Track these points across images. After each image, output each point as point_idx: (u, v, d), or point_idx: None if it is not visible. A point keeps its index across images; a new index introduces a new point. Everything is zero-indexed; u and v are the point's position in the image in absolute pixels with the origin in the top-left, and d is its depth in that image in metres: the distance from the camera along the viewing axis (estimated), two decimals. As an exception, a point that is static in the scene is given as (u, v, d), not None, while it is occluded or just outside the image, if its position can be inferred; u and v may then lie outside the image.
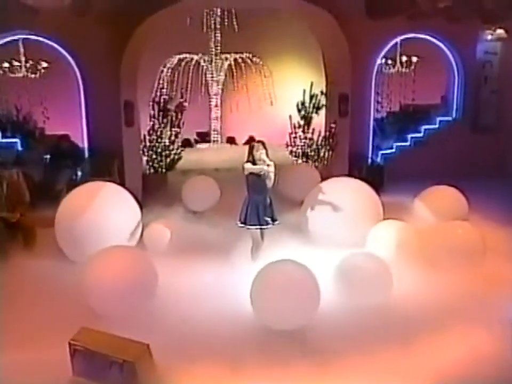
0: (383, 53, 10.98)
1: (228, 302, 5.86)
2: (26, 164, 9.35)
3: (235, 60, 13.16)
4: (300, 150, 10.54)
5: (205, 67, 13.21)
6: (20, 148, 9.86)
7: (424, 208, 8.45)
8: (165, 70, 12.76)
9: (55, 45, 9.63)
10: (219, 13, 12.79)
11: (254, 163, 6.73)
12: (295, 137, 10.64)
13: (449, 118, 11.74)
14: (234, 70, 13.14)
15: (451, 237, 7.14)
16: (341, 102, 10.35)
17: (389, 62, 11.57)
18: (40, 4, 7.90)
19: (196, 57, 12.89)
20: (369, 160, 10.96)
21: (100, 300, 5.66)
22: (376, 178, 10.40)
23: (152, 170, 10.28)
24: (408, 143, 11.64)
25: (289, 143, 10.72)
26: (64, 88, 10.09)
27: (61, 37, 9.45)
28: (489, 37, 11.33)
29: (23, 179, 8.57)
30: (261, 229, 6.90)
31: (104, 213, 7.12)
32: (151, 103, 10.30)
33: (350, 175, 9.50)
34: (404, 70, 11.69)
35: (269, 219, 6.88)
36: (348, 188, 7.92)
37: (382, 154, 11.46)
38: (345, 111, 10.42)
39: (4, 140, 9.87)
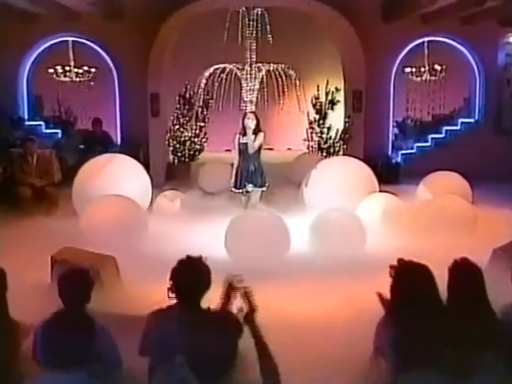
0: (401, 55, 11.30)
1: (211, 247, 6.33)
2: (63, 150, 10.31)
3: (268, 71, 13.64)
4: (316, 145, 10.93)
5: (239, 75, 13.79)
6: (60, 137, 10.89)
7: (426, 191, 8.63)
8: (203, 80, 13.45)
9: (93, 45, 10.68)
10: (254, 23, 13.36)
11: (244, 131, 7.37)
12: (312, 132, 11.06)
13: (471, 120, 11.80)
14: (269, 80, 13.61)
15: (437, 207, 7.34)
16: (354, 98, 10.76)
17: (413, 70, 11.64)
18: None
19: (229, 66, 13.47)
20: (389, 159, 11.18)
21: (94, 235, 6.27)
22: (392, 174, 10.67)
23: (176, 160, 10.96)
24: (428, 144, 11.75)
25: (306, 138, 11.14)
26: (102, 87, 11.12)
27: (98, 38, 10.51)
28: (511, 40, 11.42)
29: (56, 159, 9.50)
30: (243, 192, 7.45)
31: (114, 180, 7.82)
32: (177, 98, 11.02)
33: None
34: (432, 78, 11.76)
35: (249, 184, 7.40)
36: (344, 165, 8.30)
37: (402, 154, 11.64)
38: (359, 107, 10.82)
39: (47, 131, 10.95)
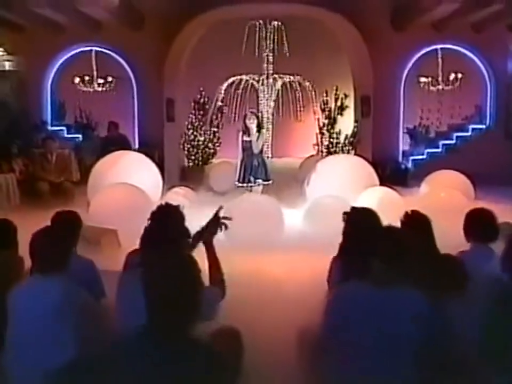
0: (411, 62, 11.68)
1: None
2: (83, 152, 11.02)
3: (284, 84, 14.08)
4: (325, 149, 11.38)
5: (256, 86, 14.34)
6: (80, 140, 11.64)
7: (428, 188, 8.98)
8: (222, 91, 14.05)
9: (113, 54, 11.45)
10: (271, 35, 13.94)
11: (247, 131, 7.94)
12: (322, 137, 11.55)
13: (482, 126, 12.06)
14: (284, 92, 14.10)
15: (432, 198, 7.69)
16: (363, 103, 11.21)
17: (429, 80, 11.81)
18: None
19: (245, 77, 14.00)
20: (398, 164, 11.53)
21: (100, 217, 6.83)
22: (400, 178, 11.00)
23: (190, 163, 11.58)
24: (439, 150, 12.04)
25: (316, 143, 11.63)
26: (122, 94, 11.78)
27: (118, 47, 11.29)
28: (521, 46, 11.68)
29: (75, 159, 10.20)
30: (247, 185, 7.96)
31: (126, 173, 8.41)
32: (192, 103, 11.66)
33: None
34: (446, 87, 11.88)
35: (252, 178, 7.92)
36: (344, 162, 8.75)
37: (413, 160, 11.96)
38: (367, 112, 11.27)
39: (69, 135, 11.70)
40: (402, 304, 2.75)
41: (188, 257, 2.25)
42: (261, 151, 8.09)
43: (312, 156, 11.27)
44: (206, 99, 11.95)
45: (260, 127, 8.07)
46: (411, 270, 3.11)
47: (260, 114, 13.64)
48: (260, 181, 8.01)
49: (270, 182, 8.13)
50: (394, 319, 2.73)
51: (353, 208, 3.81)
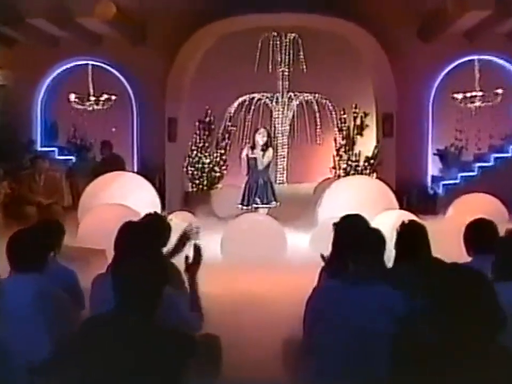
0: (440, 76, 11.99)
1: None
2: (76, 175, 11.55)
3: (300, 102, 14.49)
4: (343, 173, 11.82)
5: (270, 105, 14.77)
6: (73, 163, 12.18)
7: (454, 212, 9.28)
8: (231, 109, 14.46)
9: (111, 69, 12.06)
10: (286, 49, 14.45)
11: (254, 146, 8.45)
12: (339, 160, 11.97)
13: (522, 146, 12.21)
14: (301, 112, 14.48)
15: (455, 223, 7.99)
16: (385, 122, 11.64)
17: (465, 95, 11.88)
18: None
19: (257, 95, 14.37)
20: (426, 189, 11.83)
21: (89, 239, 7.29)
22: (428, 205, 11.24)
23: (194, 188, 12.11)
24: (475, 173, 12.13)
25: (333, 166, 12.14)
26: (120, 112, 12.28)
27: (117, 62, 11.88)
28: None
29: (67, 183, 10.74)
30: (251, 208, 8.40)
31: (120, 195, 8.90)
32: (197, 123, 12.23)
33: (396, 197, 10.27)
34: (484, 103, 11.88)
35: (258, 199, 8.37)
36: (359, 184, 9.17)
37: (444, 185, 12.10)
38: (390, 131, 11.66)
39: (61, 157, 12.24)
40: (373, 299, 3.13)
41: (158, 257, 2.79)
42: (267, 170, 8.53)
43: (327, 179, 11.65)
44: (213, 118, 12.50)
45: (268, 144, 8.54)
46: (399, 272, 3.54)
47: (274, 135, 14.19)
48: (264, 203, 8.43)
49: (277, 204, 8.54)
50: (366, 314, 3.11)
51: (342, 217, 4.23)
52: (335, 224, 4.22)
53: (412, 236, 4.24)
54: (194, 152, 12.24)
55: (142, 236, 3.79)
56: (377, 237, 3.46)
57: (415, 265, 3.79)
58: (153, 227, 4.20)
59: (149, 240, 3.82)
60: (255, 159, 8.50)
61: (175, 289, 3.44)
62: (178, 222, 8.99)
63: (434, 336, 2.29)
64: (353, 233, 3.75)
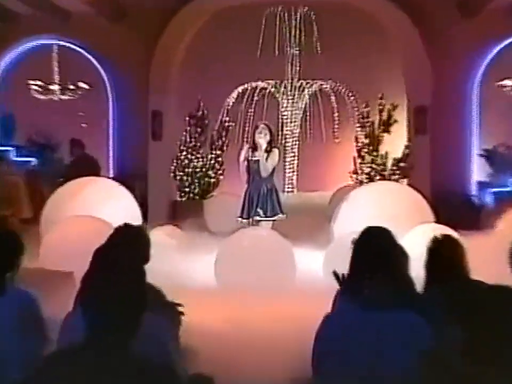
0: (486, 60, 12.01)
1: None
2: (39, 181, 11.58)
3: (313, 92, 14.39)
4: (366, 179, 11.85)
5: (277, 96, 14.66)
6: (34, 165, 12.20)
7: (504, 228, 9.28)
8: (230, 101, 14.42)
9: (82, 51, 12.11)
10: (296, 27, 14.36)
11: (254, 146, 8.49)
12: (362, 163, 12.04)
13: None
14: (314, 103, 14.40)
15: (502, 238, 8.02)
16: (418, 116, 11.67)
17: None
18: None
19: (261, 84, 14.24)
20: (468, 198, 11.82)
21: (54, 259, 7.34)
22: (471, 217, 11.22)
23: (183, 197, 12.15)
24: (530, 179, 12.03)
25: (354, 170, 12.28)
26: (93, 104, 12.39)
27: (89, 42, 11.94)
28: None
29: (26, 189, 10.74)
30: (251, 221, 8.43)
31: (91, 205, 8.92)
32: (187, 118, 12.29)
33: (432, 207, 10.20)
34: None
35: (260, 211, 8.39)
36: (385, 191, 9.18)
37: (493, 193, 12.02)
38: (423, 127, 11.69)
39: (19, 158, 12.23)
40: (396, 328, 3.15)
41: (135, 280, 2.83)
42: (272, 176, 8.57)
43: (346, 186, 11.68)
44: (206, 112, 12.55)
45: (272, 144, 8.58)
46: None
47: (281, 133, 14.21)
48: (267, 216, 8.45)
49: (283, 216, 8.57)
50: (387, 346, 3.13)
51: (363, 230, 4.25)
52: (354, 240, 4.23)
53: (445, 254, 4.25)
54: (184, 153, 12.29)
55: (116, 255, 3.82)
56: (402, 254, 3.50)
57: (448, 289, 3.82)
58: (130, 243, 4.23)
59: (125, 260, 3.84)
60: (257, 162, 8.51)
61: (156, 316, 3.47)
62: (163, 237, 9.11)
63: (470, 372, 2.30)
64: (375, 248, 3.79)
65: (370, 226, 4.31)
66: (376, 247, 3.90)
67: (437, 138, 11.90)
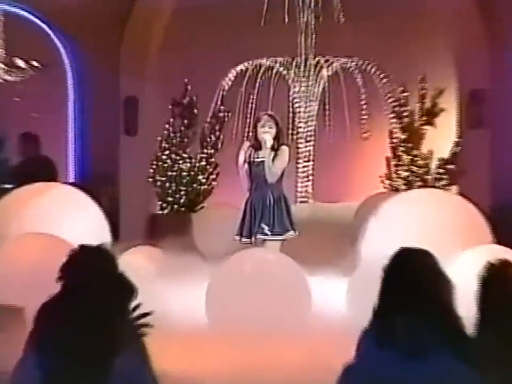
0: None
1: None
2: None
3: (334, 72, 14.37)
4: (403, 184, 11.86)
5: (287, 77, 14.57)
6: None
7: None
8: (226, 86, 14.38)
9: (36, 21, 12.11)
10: None
11: (256, 144, 8.48)
12: (398, 164, 12.08)
13: None
14: (336, 87, 14.25)
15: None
16: (471, 103, 11.67)
17: None
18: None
19: (266, 62, 14.25)
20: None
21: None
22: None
23: (166, 209, 12.19)
24: None
25: (387, 173, 12.34)
26: (50, 89, 12.38)
27: (44, 9, 11.92)
28: None
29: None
30: (253, 240, 8.42)
31: (48, 221, 8.94)
32: (170, 107, 12.37)
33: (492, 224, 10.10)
34: None
35: (266, 227, 8.38)
36: (428, 202, 9.17)
37: None
38: (478, 119, 11.72)
39: None
40: (439, 380, 3.17)
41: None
42: (280, 179, 8.55)
43: (377, 195, 11.60)
44: (195, 99, 12.63)
45: (280, 141, 8.56)
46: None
47: (292, 126, 14.19)
48: (273, 233, 8.45)
49: (295, 234, 8.57)
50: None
51: (396, 253, 4.26)
52: (384, 266, 4.24)
53: (503, 285, 4.26)
54: (167, 151, 12.38)
55: (73, 289, 3.84)
56: (447, 285, 3.51)
57: (508, 333, 3.84)
58: (92, 270, 4.22)
59: (85, 294, 3.87)
60: (261, 164, 8.49)
61: (130, 358, 3.51)
62: (138, 262, 9.11)
63: None
64: (411, 277, 3.79)
65: (405, 248, 4.31)
66: (412, 276, 3.90)
67: (498, 133, 11.87)
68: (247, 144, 8.70)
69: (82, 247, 4.13)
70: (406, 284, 3.75)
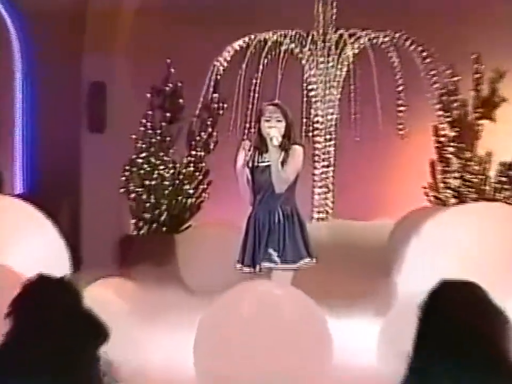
0: None
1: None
2: None
3: (361, 49, 14.43)
4: (453, 196, 11.87)
5: (299, 55, 14.57)
6: None
7: None
8: (221, 66, 14.35)
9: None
10: None
11: (260, 142, 8.46)
12: (446, 170, 12.11)
13: None
14: (364, 67, 14.25)
15: None
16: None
17: None
18: None
19: (272, 36, 14.19)
20: None
21: None
22: None
23: (142, 229, 12.24)
24: None
25: (432, 182, 12.35)
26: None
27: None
28: None
29: None
30: (257, 269, 8.40)
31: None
32: (148, 95, 12.42)
33: None
34: None
35: (274, 252, 8.35)
36: (486, 219, 9.16)
37: None
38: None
39: None
40: None
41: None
42: (291, 191, 8.50)
43: (419, 210, 11.57)
44: (179, 85, 12.67)
45: (291, 139, 8.50)
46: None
47: (307, 120, 14.21)
48: (283, 259, 8.40)
49: (311, 261, 8.51)
50: None
51: (438, 286, 4.27)
52: (421, 304, 4.24)
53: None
54: (144, 154, 12.40)
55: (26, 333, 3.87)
56: (503, 325, 3.53)
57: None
58: (48, 309, 4.22)
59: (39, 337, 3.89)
60: (266, 170, 8.44)
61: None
62: (107, 297, 9.12)
63: None
64: (456, 318, 3.82)
65: (447, 281, 4.33)
66: (457, 316, 3.94)
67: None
68: (247, 143, 8.64)
69: (41, 278, 4.12)
70: (449, 327, 3.77)
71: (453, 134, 12.27)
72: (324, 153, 14.77)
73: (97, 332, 4.03)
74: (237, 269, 8.51)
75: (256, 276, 8.41)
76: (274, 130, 8.23)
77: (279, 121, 8.32)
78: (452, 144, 12.26)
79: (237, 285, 7.52)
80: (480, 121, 12.32)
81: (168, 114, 12.54)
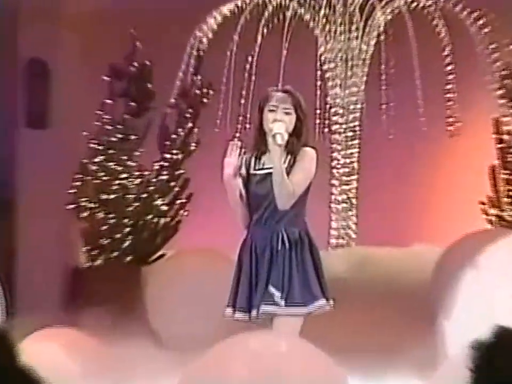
0: None
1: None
2: None
3: (395, 15, 14.48)
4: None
5: (312, 25, 14.65)
6: None
7: None
8: (204, 39, 14.48)
9: None
10: None
11: (260, 142, 8.25)
12: (509, 178, 11.91)
13: None
14: (399, 42, 14.39)
15: None
16: None
17: None
18: None
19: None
20: None
21: None
22: None
23: (98, 258, 12.16)
24: None
25: (493, 197, 12.13)
26: None
27: None
28: None
29: None
30: (253, 315, 8.22)
31: None
32: (106, 78, 12.37)
33: None
34: None
35: (277, 292, 8.16)
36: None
37: None
38: None
39: None
40: None
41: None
42: (300, 207, 8.31)
43: (476, 234, 11.65)
44: (148, 64, 12.73)
45: (300, 138, 8.34)
46: None
47: (322, 112, 14.26)
48: (288, 299, 8.23)
49: (326, 304, 8.36)
50: None
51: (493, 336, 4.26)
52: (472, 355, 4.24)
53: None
54: (101, 157, 12.39)
55: None
56: None
57: None
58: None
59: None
60: (266, 179, 8.29)
61: None
62: (51, 355, 8.97)
63: None
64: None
65: (504, 328, 4.36)
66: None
67: None
68: (239, 143, 8.41)
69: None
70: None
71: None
72: (344, 157, 14.80)
73: None
74: (226, 315, 8.32)
75: (253, 325, 8.28)
76: (279, 125, 7.98)
77: (287, 113, 8.09)
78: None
79: (227, 338, 7.35)
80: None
81: (133, 104, 12.41)
